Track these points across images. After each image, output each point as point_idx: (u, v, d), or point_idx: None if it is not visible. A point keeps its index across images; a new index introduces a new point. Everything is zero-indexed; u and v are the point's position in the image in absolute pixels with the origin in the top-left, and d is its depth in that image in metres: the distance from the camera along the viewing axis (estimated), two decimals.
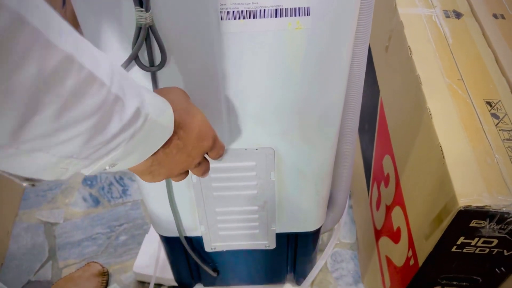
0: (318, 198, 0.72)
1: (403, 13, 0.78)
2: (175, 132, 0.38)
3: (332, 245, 0.94)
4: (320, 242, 0.89)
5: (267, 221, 0.75)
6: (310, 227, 0.78)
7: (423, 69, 0.69)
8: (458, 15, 0.79)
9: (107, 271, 1.03)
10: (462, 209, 0.53)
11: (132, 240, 1.08)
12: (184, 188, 0.68)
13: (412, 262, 0.69)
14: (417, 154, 0.68)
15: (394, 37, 0.80)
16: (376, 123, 0.91)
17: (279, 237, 0.79)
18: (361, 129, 1.06)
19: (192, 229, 0.76)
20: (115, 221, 1.11)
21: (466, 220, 0.55)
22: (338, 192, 0.78)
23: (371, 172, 0.96)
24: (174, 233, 0.76)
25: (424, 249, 0.64)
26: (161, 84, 0.53)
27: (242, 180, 0.67)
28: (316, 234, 0.82)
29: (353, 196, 1.15)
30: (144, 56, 0.49)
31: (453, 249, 0.60)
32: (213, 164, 0.65)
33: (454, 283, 0.68)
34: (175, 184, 0.67)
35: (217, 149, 0.46)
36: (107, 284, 1.01)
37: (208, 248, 0.80)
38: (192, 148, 0.41)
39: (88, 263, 1.03)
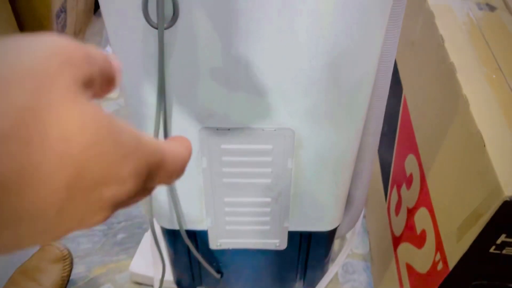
0: (337, 192, 0.66)
1: (433, 5, 0.74)
2: None
3: (346, 251, 0.87)
4: (332, 249, 0.83)
5: (280, 216, 0.69)
6: (325, 226, 0.72)
7: (457, 57, 0.64)
8: (491, 8, 0.75)
9: (68, 253, 0.86)
10: (508, 199, 0.47)
11: (131, 238, 1.01)
12: (192, 173, 0.62)
13: (440, 266, 0.62)
14: (449, 146, 0.62)
15: (424, 27, 0.75)
16: (398, 123, 0.86)
17: (292, 236, 0.73)
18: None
19: (197, 222, 0.70)
20: (114, 218, 1.05)
21: (511, 213, 0.48)
22: (356, 190, 0.72)
23: (390, 176, 0.89)
24: (177, 225, 0.70)
25: (456, 251, 0.57)
26: (168, 48, 0.48)
27: (256, 166, 0.62)
28: (331, 235, 0.75)
29: (367, 206, 1.09)
30: (153, 11, 0.44)
31: (491, 250, 0.54)
32: (226, 144, 0.59)
33: None
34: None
35: (165, 174, 0.20)
36: (71, 268, 0.85)
37: (213, 245, 0.74)
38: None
39: (41, 247, 0.85)
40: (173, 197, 0.65)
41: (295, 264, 0.81)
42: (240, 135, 0.57)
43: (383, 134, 0.98)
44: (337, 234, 0.79)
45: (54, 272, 0.82)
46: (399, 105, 0.85)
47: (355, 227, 0.90)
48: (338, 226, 0.74)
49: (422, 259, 0.69)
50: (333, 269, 0.84)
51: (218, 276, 0.81)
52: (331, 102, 0.53)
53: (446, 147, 0.63)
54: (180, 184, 0.64)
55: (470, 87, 0.59)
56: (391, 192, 0.89)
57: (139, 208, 1.07)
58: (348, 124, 0.57)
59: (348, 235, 0.96)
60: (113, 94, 1.35)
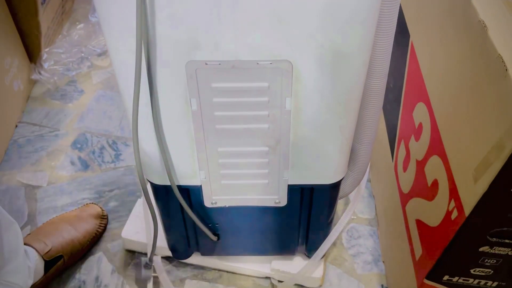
0: (341, 138, 0.60)
1: None
2: None
3: (350, 212, 0.82)
4: (335, 209, 0.77)
5: (279, 167, 0.63)
6: (328, 179, 0.66)
7: None
8: None
9: (107, 215, 0.93)
10: None
11: (123, 207, 0.96)
12: (181, 118, 0.56)
13: (454, 215, 0.56)
14: (465, 80, 0.56)
15: None
16: (405, 73, 0.79)
17: (292, 191, 0.67)
18: (386, 90, 0.95)
19: (190, 176, 0.64)
20: (105, 186, 0.99)
21: None
22: (361, 144, 0.66)
23: (397, 132, 0.84)
24: (167, 180, 0.64)
25: (473, 194, 0.52)
26: None
27: (251, 108, 0.56)
28: (334, 191, 0.70)
29: (372, 169, 1.03)
30: None
31: None
32: (217, 83, 0.53)
33: (507, 241, 0.55)
34: (166, 110, 0.56)
35: None
36: (105, 228, 0.92)
37: (208, 202, 0.68)
38: None
39: (87, 203, 0.94)
40: (162, 147, 0.59)
41: (297, 225, 0.75)
42: (232, 71, 0.51)
43: (389, 90, 0.92)
44: (341, 192, 0.73)
45: (91, 224, 0.89)
46: (406, 54, 0.79)
47: (360, 186, 0.85)
48: (342, 181, 0.68)
49: (434, 211, 0.63)
50: (336, 230, 0.78)
51: (215, 238, 0.75)
52: (332, 25, 0.47)
53: (461, 83, 0.57)
54: (169, 132, 0.58)
55: (487, 13, 0.53)
56: (398, 148, 0.83)
57: (131, 176, 1.01)
58: (354, 53, 0.50)
59: (351, 196, 0.90)
60: (104, 63, 1.29)
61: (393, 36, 0.55)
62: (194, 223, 0.72)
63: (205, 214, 0.72)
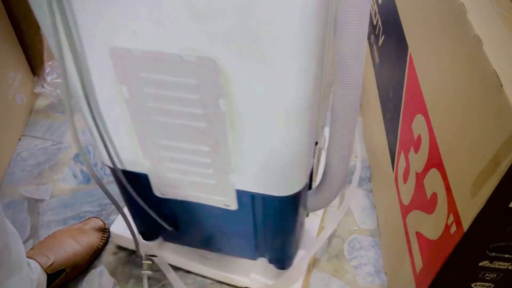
0: (286, 151, 0.55)
1: None
2: None
3: (331, 229, 0.80)
4: (299, 224, 0.72)
5: (223, 170, 0.60)
6: (278, 191, 0.61)
7: None
8: None
9: (108, 229, 0.94)
10: None
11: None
12: (116, 104, 0.56)
13: (453, 229, 0.56)
14: (461, 94, 0.56)
15: None
16: (404, 85, 0.79)
17: (242, 196, 0.63)
18: (385, 100, 0.95)
19: (135, 163, 0.64)
20: (107, 199, 0.99)
21: None
22: (332, 160, 0.62)
23: (397, 143, 0.83)
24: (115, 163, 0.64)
25: (471, 208, 0.51)
26: None
27: (184, 104, 0.53)
28: (289, 203, 0.64)
29: (373, 179, 1.03)
30: None
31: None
32: (144, 72, 0.51)
33: (507, 256, 0.55)
34: (101, 94, 0.56)
35: None
36: (107, 241, 0.92)
37: (157, 191, 0.68)
38: None
39: (89, 217, 0.95)
40: (100, 130, 0.59)
41: (252, 232, 0.72)
42: (158, 63, 0.49)
43: (388, 100, 0.92)
44: (309, 207, 0.70)
45: (93, 238, 0.90)
46: (405, 66, 0.79)
47: (344, 202, 0.84)
48: (304, 195, 0.66)
49: (433, 224, 0.63)
50: (319, 240, 0.77)
51: (170, 228, 0.75)
52: (255, 25, 0.43)
53: (457, 97, 0.57)
54: (107, 115, 0.58)
55: (483, 28, 0.53)
56: (398, 159, 0.83)
57: None
58: (288, 58, 0.45)
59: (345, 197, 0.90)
60: None
61: (359, 40, 0.48)
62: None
63: (163, 203, 0.70)
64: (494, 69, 0.47)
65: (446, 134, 0.60)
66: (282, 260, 0.79)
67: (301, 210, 0.70)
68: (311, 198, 0.70)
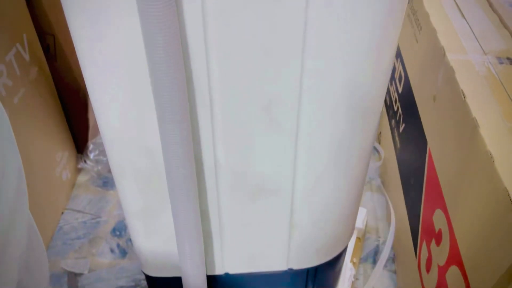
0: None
1: (453, 59, 0.75)
2: None
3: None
4: None
5: None
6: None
7: (480, 112, 0.64)
8: None
9: None
10: None
11: None
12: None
13: None
14: (476, 203, 0.61)
15: (444, 83, 0.76)
16: (424, 176, 0.85)
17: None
18: (407, 184, 1.00)
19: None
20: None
21: None
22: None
23: (419, 230, 0.87)
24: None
25: None
26: None
27: None
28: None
29: (397, 259, 1.06)
30: None
31: None
32: None
33: None
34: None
35: None
36: None
37: None
38: None
39: None
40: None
41: None
42: None
43: (411, 186, 0.97)
44: None
45: None
46: (425, 158, 0.85)
47: (368, 283, 0.86)
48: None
49: None
50: None
51: None
52: None
53: (472, 204, 0.62)
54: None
55: (494, 144, 0.59)
56: (420, 247, 0.86)
57: None
58: None
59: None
60: None
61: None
62: None
63: None
64: (505, 187, 0.53)
65: (465, 236, 0.65)
66: None
67: None
68: None
